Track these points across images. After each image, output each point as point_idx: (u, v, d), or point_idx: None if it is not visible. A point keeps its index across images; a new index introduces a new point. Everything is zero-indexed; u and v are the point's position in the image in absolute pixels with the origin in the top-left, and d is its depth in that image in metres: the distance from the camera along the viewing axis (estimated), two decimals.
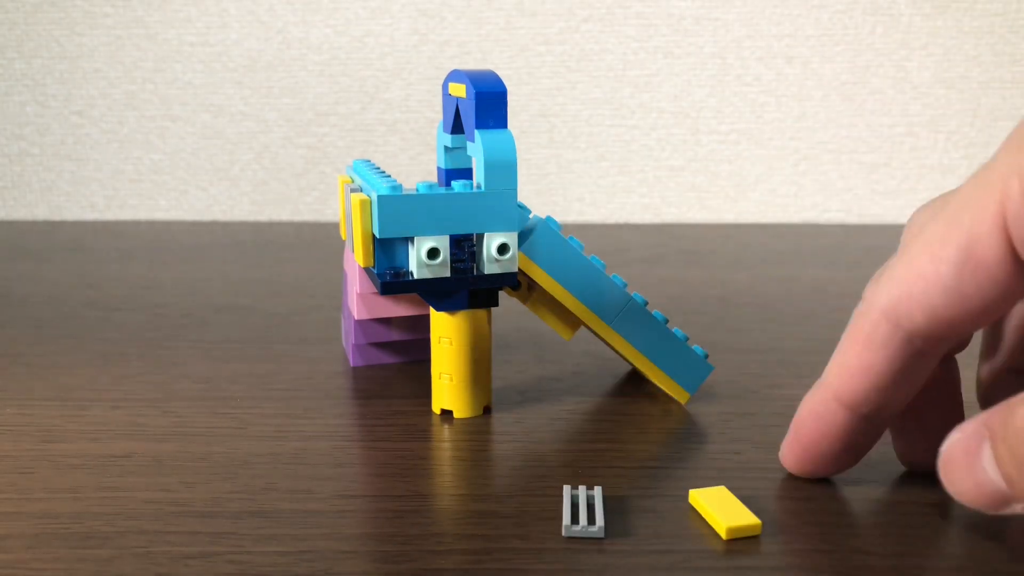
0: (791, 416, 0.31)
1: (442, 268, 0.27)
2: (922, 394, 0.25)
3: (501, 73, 0.67)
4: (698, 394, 0.32)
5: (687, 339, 0.31)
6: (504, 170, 0.27)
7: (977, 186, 0.20)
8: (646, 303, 0.31)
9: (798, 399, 0.32)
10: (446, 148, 0.31)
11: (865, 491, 0.26)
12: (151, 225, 0.68)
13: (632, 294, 0.31)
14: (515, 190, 0.27)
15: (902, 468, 0.27)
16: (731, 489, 0.25)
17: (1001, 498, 0.20)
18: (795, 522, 0.24)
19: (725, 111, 0.69)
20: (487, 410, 0.31)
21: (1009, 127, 0.69)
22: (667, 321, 0.31)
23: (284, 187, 0.71)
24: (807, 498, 0.25)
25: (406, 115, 0.68)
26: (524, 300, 0.30)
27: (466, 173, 0.31)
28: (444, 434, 0.30)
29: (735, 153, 0.70)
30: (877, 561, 0.22)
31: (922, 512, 0.24)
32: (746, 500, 0.25)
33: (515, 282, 0.29)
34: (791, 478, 0.26)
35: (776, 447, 0.28)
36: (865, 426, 0.24)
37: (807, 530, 0.23)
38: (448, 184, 0.31)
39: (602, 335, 0.31)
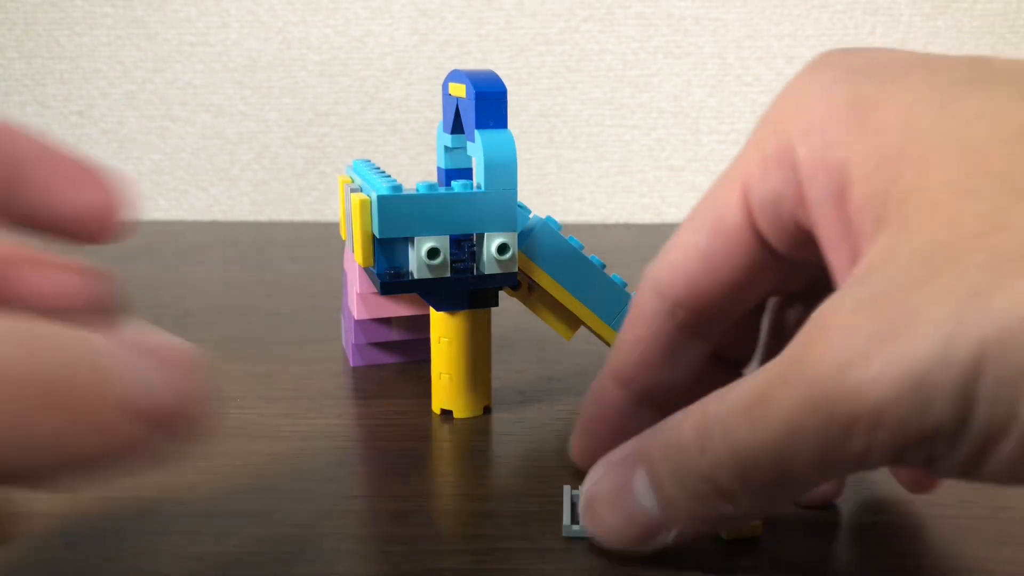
0: None
1: (442, 268, 0.27)
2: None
3: (501, 73, 0.67)
4: None
5: None
6: (504, 170, 0.27)
7: (732, 162, 0.21)
8: None
9: None
10: (446, 148, 0.31)
11: (865, 491, 0.26)
12: (151, 225, 0.68)
13: (632, 294, 0.30)
14: (515, 190, 0.27)
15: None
16: None
17: (653, 528, 0.20)
18: (795, 522, 0.24)
19: (725, 111, 0.69)
20: (487, 410, 0.31)
21: None
22: None
23: (284, 187, 0.71)
24: (806, 498, 0.25)
25: (406, 115, 0.68)
26: (524, 300, 0.30)
27: (466, 173, 0.31)
28: (444, 434, 0.30)
29: (735, 153, 0.70)
30: (877, 562, 0.22)
31: (922, 512, 0.24)
32: None
33: (515, 282, 0.29)
34: None
35: None
36: (640, 408, 0.23)
37: (807, 530, 0.23)
38: (448, 184, 0.31)
39: (602, 335, 0.31)
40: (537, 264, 0.29)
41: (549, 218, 0.30)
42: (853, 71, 0.19)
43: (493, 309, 0.30)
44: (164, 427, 0.15)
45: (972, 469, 0.15)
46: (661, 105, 0.69)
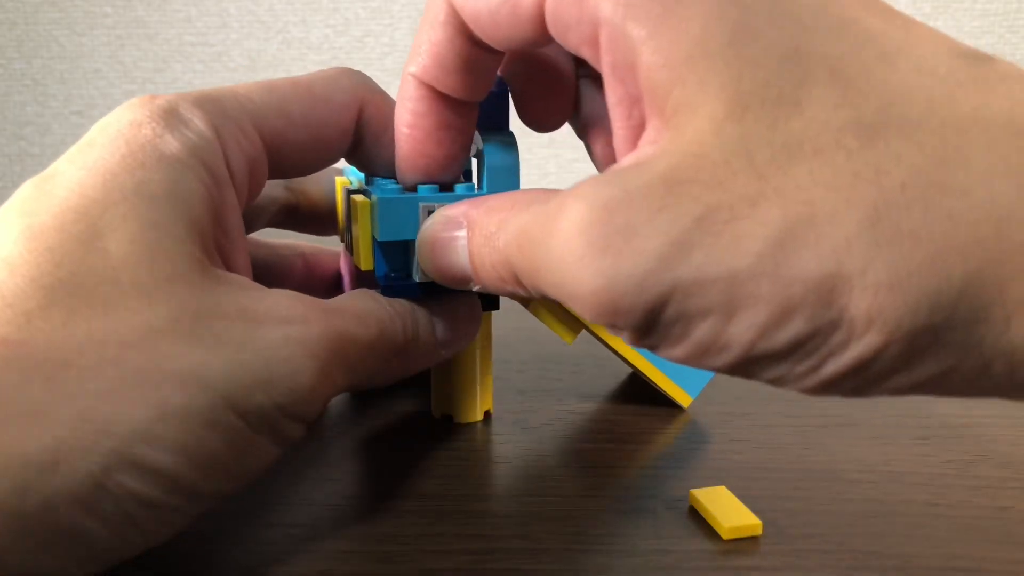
0: (791, 416, 0.31)
1: None
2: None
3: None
4: (698, 394, 0.32)
5: None
6: (507, 172, 0.27)
7: None
8: None
9: (798, 398, 0.32)
10: None
11: (865, 491, 0.26)
12: None
13: None
14: None
15: (902, 468, 0.27)
16: (731, 489, 0.25)
17: (464, 280, 0.23)
18: (795, 522, 0.24)
19: None
20: (487, 415, 0.31)
21: None
22: None
23: None
24: (807, 498, 0.25)
25: None
26: (526, 304, 0.30)
27: (466, 175, 0.31)
28: (444, 434, 0.30)
29: None
30: (877, 561, 0.22)
31: (922, 512, 0.24)
32: (746, 500, 0.25)
33: None
34: (792, 478, 0.26)
35: (777, 447, 0.28)
36: (446, 111, 0.24)
37: (807, 530, 0.23)
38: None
39: (604, 338, 0.30)
40: None
41: None
42: None
43: (493, 311, 0.30)
44: (448, 347, 0.27)
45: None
46: None
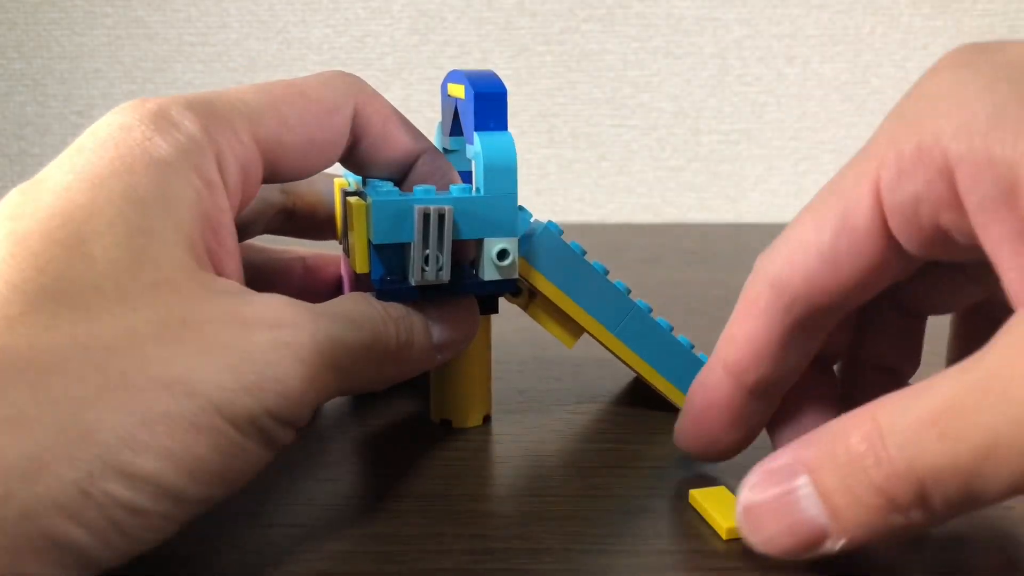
0: None
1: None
2: (797, 399, 0.25)
3: (501, 73, 0.67)
4: None
5: (692, 347, 0.31)
6: (504, 174, 0.27)
7: (859, 156, 0.21)
8: (650, 310, 0.30)
9: None
10: (445, 151, 0.31)
11: None
12: None
13: (636, 301, 0.30)
14: (515, 194, 0.27)
15: None
16: (731, 489, 0.25)
17: (819, 537, 0.19)
18: None
19: (725, 111, 0.69)
20: (487, 419, 0.31)
21: None
22: (672, 329, 0.31)
23: None
24: None
25: (406, 115, 0.68)
26: (524, 307, 0.30)
27: (464, 176, 0.31)
28: (444, 434, 0.29)
29: (735, 153, 0.70)
30: (878, 561, 0.22)
31: None
32: None
33: (516, 288, 0.28)
34: None
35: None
36: (751, 400, 0.24)
37: None
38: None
39: (605, 343, 0.30)
40: (538, 270, 0.29)
41: (551, 223, 0.29)
42: (1000, 68, 0.18)
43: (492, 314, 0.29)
44: (445, 351, 0.27)
45: None
46: (661, 105, 0.69)
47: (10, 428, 0.17)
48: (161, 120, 0.22)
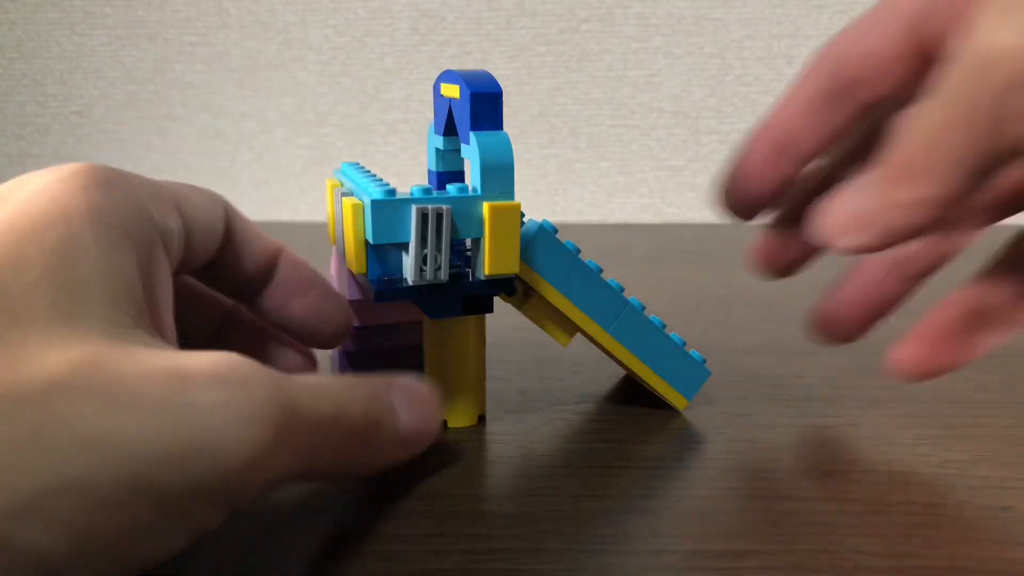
0: (791, 416, 0.31)
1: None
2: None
3: (501, 73, 0.67)
4: (698, 394, 0.32)
5: (685, 344, 0.31)
6: (500, 173, 0.27)
7: None
8: (643, 307, 0.31)
9: (798, 398, 0.32)
10: (437, 151, 0.31)
11: (865, 491, 0.26)
12: None
13: (629, 299, 0.30)
14: (512, 193, 0.27)
15: (902, 468, 0.27)
16: (731, 489, 0.25)
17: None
18: (795, 522, 0.24)
19: (725, 111, 0.69)
20: (481, 419, 0.31)
21: None
22: (665, 326, 0.31)
23: (284, 187, 0.71)
24: (808, 498, 0.25)
25: (406, 115, 0.68)
26: (519, 306, 0.30)
27: (458, 176, 0.31)
28: (444, 435, 0.29)
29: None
30: (877, 561, 0.22)
31: (922, 512, 0.24)
32: (746, 500, 0.25)
33: (512, 288, 0.28)
34: (792, 478, 0.26)
35: (776, 447, 0.28)
36: (786, 152, 0.26)
37: (807, 530, 0.23)
38: (442, 188, 0.31)
39: (600, 341, 0.30)
40: (534, 269, 0.29)
41: (545, 222, 0.29)
42: None
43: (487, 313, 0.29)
44: (410, 446, 0.24)
45: None
46: (661, 105, 0.69)
47: None
48: (101, 175, 0.21)
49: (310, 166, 0.70)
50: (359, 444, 0.22)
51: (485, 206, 0.26)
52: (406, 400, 0.23)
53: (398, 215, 0.26)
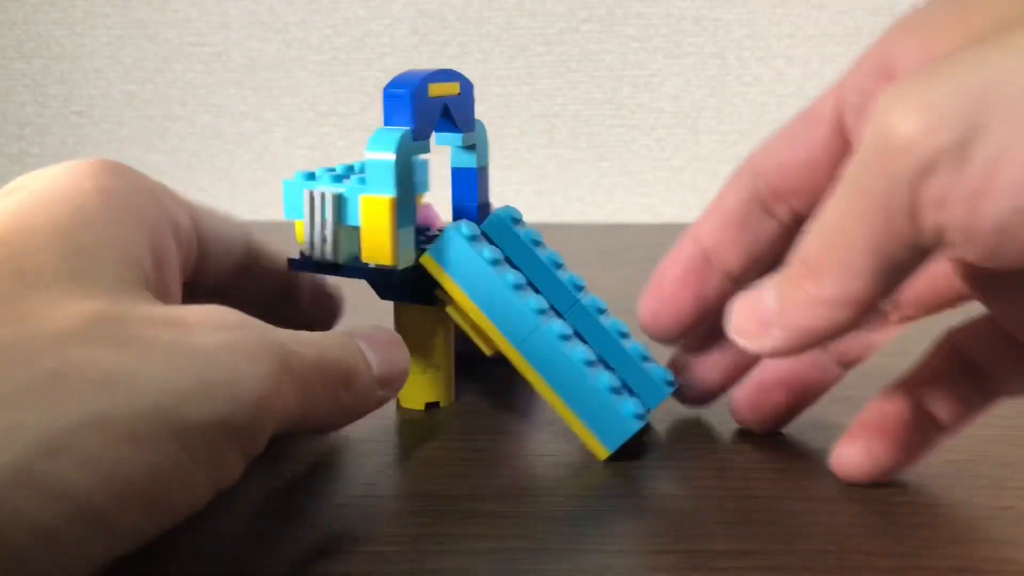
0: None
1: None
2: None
3: (501, 73, 0.67)
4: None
5: (646, 357, 0.28)
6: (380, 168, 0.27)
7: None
8: (602, 310, 0.29)
9: None
10: (458, 148, 0.31)
11: (865, 491, 0.26)
12: None
13: (588, 299, 0.28)
14: (391, 188, 0.27)
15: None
16: (732, 489, 0.25)
17: (768, 320, 0.22)
18: (795, 522, 0.24)
19: (725, 111, 0.69)
20: (434, 406, 0.31)
21: None
22: (625, 333, 0.28)
23: None
24: (807, 498, 0.25)
25: None
26: (446, 304, 0.29)
27: (472, 173, 0.31)
28: (443, 434, 0.29)
29: (735, 153, 0.70)
30: (878, 561, 0.22)
31: (922, 512, 0.24)
32: (746, 500, 0.25)
33: (397, 279, 0.28)
34: (792, 478, 0.26)
35: (775, 446, 0.28)
36: (707, 269, 0.26)
37: (808, 530, 0.23)
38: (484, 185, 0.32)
39: (508, 355, 0.28)
40: (445, 271, 0.28)
41: (508, 209, 0.29)
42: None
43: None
44: (387, 387, 0.24)
45: (975, 209, 0.17)
46: (661, 105, 0.69)
47: None
48: (112, 165, 0.22)
49: (310, 166, 0.70)
50: (343, 388, 0.23)
51: (360, 197, 0.28)
52: (372, 345, 0.24)
53: (299, 196, 0.29)
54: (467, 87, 0.29)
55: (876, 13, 0.67)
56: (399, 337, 0.26)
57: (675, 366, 0.29)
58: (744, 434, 0.29)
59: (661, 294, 0.27)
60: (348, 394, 0.23)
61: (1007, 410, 0.31)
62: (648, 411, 0.28)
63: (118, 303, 0.19)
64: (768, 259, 0.26)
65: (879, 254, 0.19)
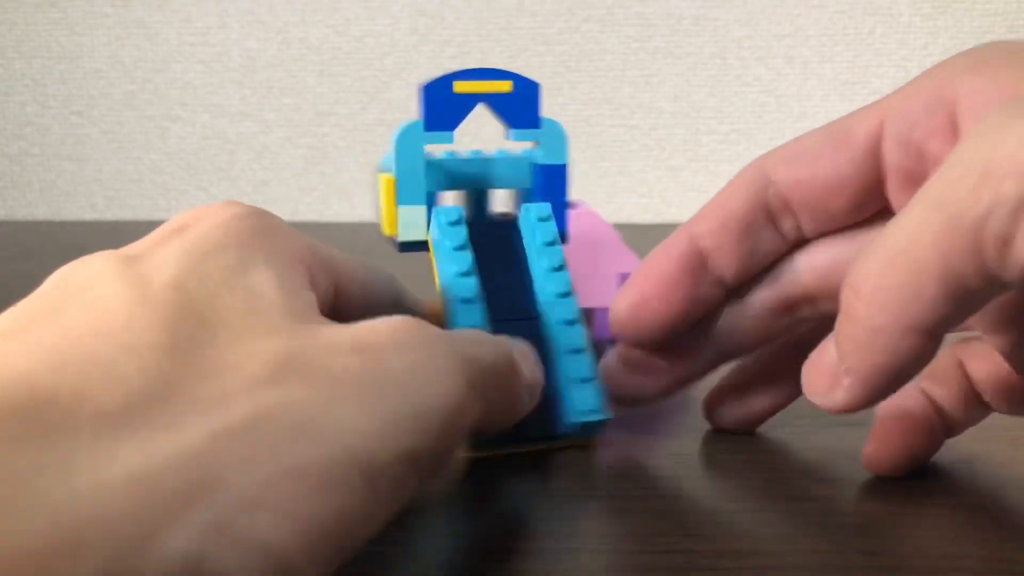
0: (792, 416, 0.31)
1: None
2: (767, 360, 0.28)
3: None
4: (698, 393, 0.32)
5: (584, 379, 0.27)
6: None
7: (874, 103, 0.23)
8: (572, 320, 0.28)
9: (798, 400, 0.32)
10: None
11: (866, 491, 0.26)
12: (151, 225, 0.68)
13: (559, 308, 0.28)
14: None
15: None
16: (731, 488, 0.25)
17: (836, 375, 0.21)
18: (795, 522, 0.24)
19: (725, 111, 0.69)
20: None
21: None
22: (578, 351, 0.27)
23: (284, 187, 0.71)
24: (810, 498, 0.25)
25: (406, 115, 0.68)
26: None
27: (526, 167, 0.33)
28: None
29: (735, 153, 0.70)
30: (878, 561, 0.22)
31: (922, 512, 0.24)
32: (746, 499, 0.25)
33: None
34: (792, 477, 0.26)
35: (775, 446, 0.28)
36: (701, 271, 0.25)
37: (809, 530, 0.23)
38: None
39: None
40: (433, 250, 0.29)
41: (540, 206, 0.30)
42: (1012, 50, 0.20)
43: None
44: (532, 396, 0.24)
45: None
46: (661, 105, 0.69)
47: (127, 486, 0.14)
48: (259, 211, 0.22)
49: (310, 166, 0.70)
50: (509, 388, 0.23)
51: (379, 176, 0.30)
52: (517, 353, 0.24)
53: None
54: (524, 86, 0.32)
55: (876, 13, 0.67)
56: (531, 348, 0.25)
57: (607, 368, 0.28)
58: (741, 437, 0.30)
59: (645, 290, 0.25)
60: (512, 394, 0.23)
61: None
62: (554, 437, 0.27)
63: (299, 335, 0.18)
64: (758, 275, 0.25)
65: (952, 279, 0.17)
